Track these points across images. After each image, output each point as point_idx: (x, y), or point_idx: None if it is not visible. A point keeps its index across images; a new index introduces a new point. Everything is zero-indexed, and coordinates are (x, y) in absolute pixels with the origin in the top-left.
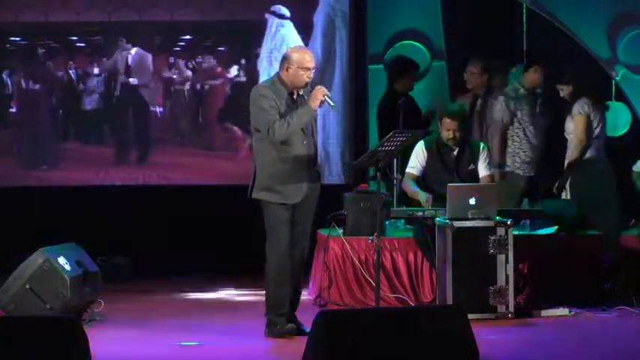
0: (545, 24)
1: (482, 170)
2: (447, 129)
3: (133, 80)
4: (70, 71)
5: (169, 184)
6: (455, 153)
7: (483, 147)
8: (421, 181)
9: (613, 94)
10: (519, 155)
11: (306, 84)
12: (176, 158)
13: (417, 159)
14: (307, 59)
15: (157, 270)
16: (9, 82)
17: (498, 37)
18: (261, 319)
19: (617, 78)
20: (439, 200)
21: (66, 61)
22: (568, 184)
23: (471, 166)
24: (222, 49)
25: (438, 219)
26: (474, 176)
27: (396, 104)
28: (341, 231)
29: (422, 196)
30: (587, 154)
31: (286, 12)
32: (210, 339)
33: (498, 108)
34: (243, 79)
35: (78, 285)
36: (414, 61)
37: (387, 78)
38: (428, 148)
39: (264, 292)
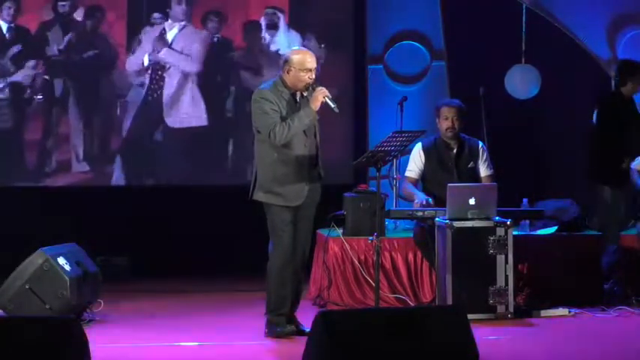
0: (545, 24)
1: (483, 170)
2: (446, 117)
3: None
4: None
5: (169, 184)
6: (454, 152)
7: (482, 146)
8: (420, 183)
9: None
10: None
11: (308, 85)
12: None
13: (415, 162)
14: (308, 60)
15: (157, 270)
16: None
17: (498, 37)
18: (261, 319)
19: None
20: (439, 202)
21: None
22: None
23: (471, 164)
24: None
25: (437, 219)
26: (473, 175)
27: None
28: (341, 231)
29: (419, 195)
30: None
31: None
32: (210, 339)
33: None
34: None
35: (78, 285)
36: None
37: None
38: (426, 149)
39: (264, 292)
